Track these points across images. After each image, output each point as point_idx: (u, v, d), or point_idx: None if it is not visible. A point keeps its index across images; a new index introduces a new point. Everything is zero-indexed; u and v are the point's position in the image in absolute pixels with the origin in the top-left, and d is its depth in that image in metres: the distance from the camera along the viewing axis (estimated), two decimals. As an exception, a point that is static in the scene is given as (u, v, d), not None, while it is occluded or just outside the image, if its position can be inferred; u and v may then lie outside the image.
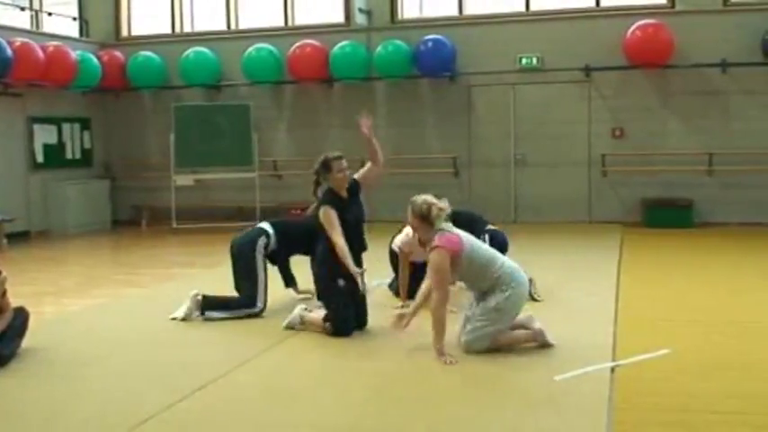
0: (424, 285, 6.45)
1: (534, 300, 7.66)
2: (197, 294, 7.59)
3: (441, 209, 6.13)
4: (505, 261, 6.27)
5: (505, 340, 6.16)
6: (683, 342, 6.39)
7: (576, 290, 8.31)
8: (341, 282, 6.75)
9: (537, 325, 6.29)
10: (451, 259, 6.03)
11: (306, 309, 7.08)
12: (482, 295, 6.22)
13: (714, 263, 10.51)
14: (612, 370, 5.69)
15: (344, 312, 6.77)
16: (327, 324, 6.76)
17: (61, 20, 16.79)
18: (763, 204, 13.79)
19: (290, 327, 7.00)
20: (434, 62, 14.83)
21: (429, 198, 6.20)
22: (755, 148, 13.79)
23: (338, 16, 16.00)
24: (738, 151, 13.82)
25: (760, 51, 13.53)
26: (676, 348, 6.15)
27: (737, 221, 13.77)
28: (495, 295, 6.10)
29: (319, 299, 7.06)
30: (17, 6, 16.01)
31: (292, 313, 7.06)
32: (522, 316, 6.33)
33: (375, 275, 8.17)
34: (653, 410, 4.91)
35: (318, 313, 6.95)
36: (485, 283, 6.16)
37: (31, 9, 16.23)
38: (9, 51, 13.30)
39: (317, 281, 7.04)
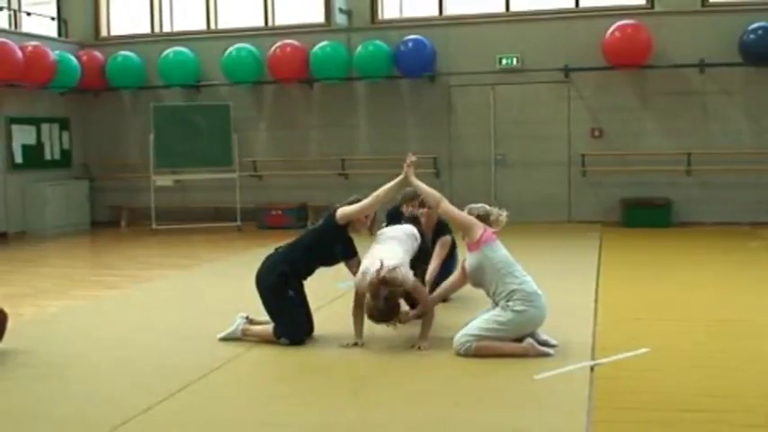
0: (442, 288, 6.84)
1: None
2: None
3: (500, 213, 6.59)
4: (529, 280, 6.23)
5: (492, 351, 6.03)
6: (661, 341, 6.42)
7: (556, 289, 8.29)
8: (291, 292, 6.65)
9: (540, 347, 6.07)
10: (480, 237, 6.25)
11: (247, 319, 6.81)
12: (495, 305, 6.23)
13: (692, 262, 10.57)
14: (592, 369, 5.71)
15: (298, 321, 6.63)
16: (282, 339, 6.52)
17: (40, 20, 16.68)
18: (741, 204, 13.87)
19: (226, 339, 6.73)
20: (414, 62, 14.85)
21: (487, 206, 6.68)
22: (733, 148, 13.88)
23: (318, 16, 15.98)
24: (716, 151, 13.90)
25: (738, 52, 13.60)
26: (655, 347, 6.19)
27: (715, 221, 13.85)
28: (507, 309, 6.07)
29: (268, 311, 6.72)
30: (-5, 6, 15.92)
31: (232, 326, 6.78)
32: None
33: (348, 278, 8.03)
34: (632, 409, 4.93)
35: (264, 327, 6.71)
36: (500, 289, 6.16)
37: (9, 9, 16.11)
38: (-13, 51, 13.23)
39: (266, 292, 6.70)
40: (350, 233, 6.80)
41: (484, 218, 6.49)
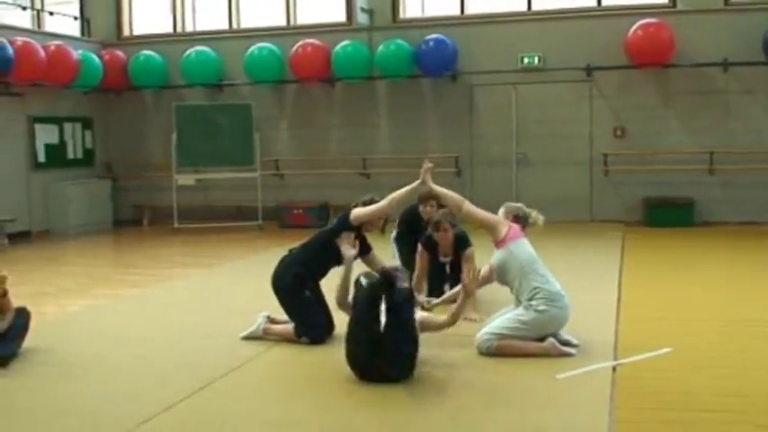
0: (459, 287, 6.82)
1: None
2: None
3: (538, 216, 6.63)
4: (552, 280, 6.26)
5: (514, 350, 6.04)
6: (684, 341, 6.39)
7: (578, 288, 8.25)
8: (307, 293, 6.68)
9: (562, 347, 6.07)
10: (506, 235, 6.27)
11: (268, 318, 6.85)
12: (519, 303, 6.25)
13: (715, 262, 10.52)
14: (614, 369, 5.69)
15: (317, 321, 6.64)
16: (303, 338, 6.55)
17: (62, 19, 16.80)
18: (764, 204, 13.78)
19: (248, 338, 6.79)
20: (436, 62, 14.83)
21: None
22: (756, 147, 13.79)
23: (340, 15, 15.99)
24: (739, 150, 13.82)
25: (761, 51, 13.50)
26: (677, 347, 6.16)
27: (738, 220, 13.77)
28: (529, 309, 6.09)
29: (287, 311, 6.77)
30: (19, 6, 16.02)
31: (253, 325, 6.84)
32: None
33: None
34: (654, 409, 4.91)
35: (285, 326, 6.74)
36: (523, 287, 6.18)
37: (32, 8, 16.25)
38: (11, 51, 13.30)
39: (282, 293, 6.74)
40: (363, 232, 6.82)
41: (522, 219, 6.53)
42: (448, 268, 7.86)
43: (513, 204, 6.72)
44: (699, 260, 10.65)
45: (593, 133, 14.66)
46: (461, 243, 7.72)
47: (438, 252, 7.83)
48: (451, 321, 6.12)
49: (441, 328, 6.15)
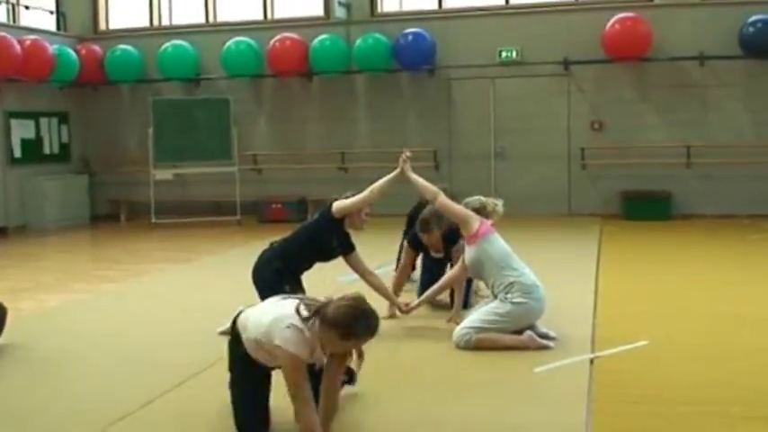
0: (443, 280, 6.88)
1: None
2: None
3: (495, 203, 6.69)
4: (527, 272, 6.28)
5: (492, 343, 6.05)
6: (661, 333, 6.42)
7: (556, 282, 8.26)
8: (287, 288, 6.60)
9: (540, 340, 6.08)
10: (477, 231, 6.29)
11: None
12: (495, 297, 6.27)
13: (692, 255, 10.56)
14: (592, 361, 5.71)
15: None
16: None
17: (38, 13, 16.65)
18: (740, 196, 13.88)
19: (225, 333, 6.77)
20: (414, 56, 14.82)
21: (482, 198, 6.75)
22: (732, 140, 13.88)
23: (318, 9, 15.96)
24: (716, 144, 13.90)
25: (737, 44, 13.58)
26: (654, 340, 6.19)
27: (715, 213, 13.85)
28: (505, 301, 6.13)
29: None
30: (-7, 0, 15.89)
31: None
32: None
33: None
34: (632, 402, 4.93)
35: None
36: (498, 282, 6.21)
37: (7, 2, 16.08)
38: (-15, 45, 13.20)
39: (262, 288, 6.55)
40: (346, 228, 6.74)
41: (480, 210, 6.51)
42: (447, 267, 7.51)
43: (471, 198, 6.69)
44: (676, 253, 10.70)
45: (570, 127, 14.70)
46: (450, 239, 7.39)
47: (428, 249, 7.67)
48: (403, 308, 6.75)
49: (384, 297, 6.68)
